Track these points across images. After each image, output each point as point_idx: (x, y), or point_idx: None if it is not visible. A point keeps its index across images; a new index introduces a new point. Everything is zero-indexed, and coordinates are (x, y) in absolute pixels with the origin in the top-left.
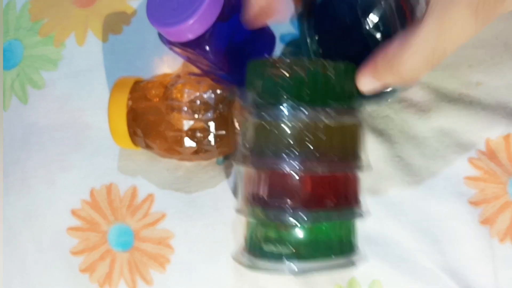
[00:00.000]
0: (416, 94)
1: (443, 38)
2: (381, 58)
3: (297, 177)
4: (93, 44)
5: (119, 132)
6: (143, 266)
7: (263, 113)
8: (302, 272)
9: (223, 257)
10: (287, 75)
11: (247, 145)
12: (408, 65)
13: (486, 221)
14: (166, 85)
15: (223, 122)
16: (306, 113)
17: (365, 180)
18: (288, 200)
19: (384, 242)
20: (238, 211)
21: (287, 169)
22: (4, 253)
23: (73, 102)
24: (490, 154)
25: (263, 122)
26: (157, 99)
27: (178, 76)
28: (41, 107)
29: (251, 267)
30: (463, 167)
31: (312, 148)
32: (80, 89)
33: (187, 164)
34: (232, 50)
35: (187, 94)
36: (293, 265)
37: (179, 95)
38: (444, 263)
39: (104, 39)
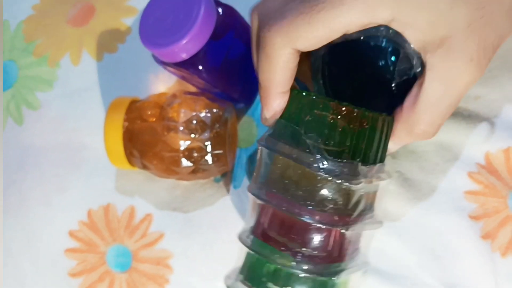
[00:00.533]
0: None
1: (451, 92)
2: (397, 123)
3: (314, 230)
4: (88, 63)
5: (115, 153)
6: (142, 287)
7: (298, 157)
8: None
9: (222, 277)
10: (338, 123)
11: (267, 178)
12: (423, 125)
13: (487, 236)
14: (162, 105)
15: (220, 141)
16: (345, 170)
17: None
18: (301, 249)
19: (385, 259)
20: (240, 239)
21: (307, 220)
22: (3, 275)
23: (69, 123)
24: (490, 168)
25: (294, 164)
26: (153, 119)
27: (174, 96)
28: (37, 128)
29: None
30: (463, 181)
31: (339, 205)
32: (75, 109)
33: (184, 183)
34: (227, 67)
35: (183, 114)
36: None
37: (175, 115)
38: (445, 279)
39: (99, 58)
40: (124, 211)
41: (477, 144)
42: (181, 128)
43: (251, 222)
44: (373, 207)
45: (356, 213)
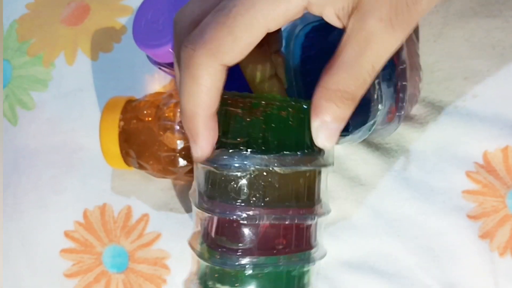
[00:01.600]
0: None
1: (366, 56)
2: (316, 94)
3: (245, 224)
4: (83, 63)
5: (111, 153)
6: (139, 287)
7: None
8: None
9: None
10: (240, 115)
11: (199, 187)
12: (341, 84)
13: (485, 235)
14: (158, 104)
15: None
16: (258, 161)
17: (362, 195)
18: (236, 245)
19: (383, 258)
20: (189, 244)
21: (233, 216)
22: (1, 278)
23: (64, 123)
24: (488, 167)
25: (211, 169)
26: (149, 119)
27: (170, 95)
28: (32, 129)
29: None
30: (461, 180)
31: (261, 196)
32: (71, 109)
33: (181, 183)
34: None
35: (180, 114)
36: None
37: (171, 115)
38: (444, 278)
39: (94, 58)
40: (120, 211)
41: (475, 143)
42: (178, 127)
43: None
44: (314, 196)
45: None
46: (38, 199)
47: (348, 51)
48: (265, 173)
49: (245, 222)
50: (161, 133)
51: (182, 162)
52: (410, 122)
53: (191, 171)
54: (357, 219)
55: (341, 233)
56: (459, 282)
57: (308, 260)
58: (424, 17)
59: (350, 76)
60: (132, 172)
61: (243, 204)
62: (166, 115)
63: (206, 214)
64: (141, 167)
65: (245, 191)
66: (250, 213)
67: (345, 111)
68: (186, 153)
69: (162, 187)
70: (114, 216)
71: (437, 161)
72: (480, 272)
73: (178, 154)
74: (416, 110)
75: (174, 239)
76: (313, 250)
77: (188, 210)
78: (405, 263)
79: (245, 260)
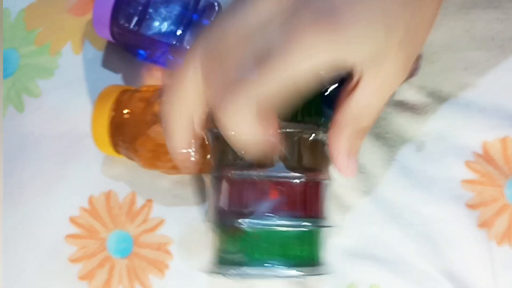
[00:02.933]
0: (412, 97)
1: (381, 96)
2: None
3: (252, 185)
4: (90, 52)
5: (102, 141)
6: (142, 272)
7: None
8: (257, 276)
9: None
10: None
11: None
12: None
13: (483, 224)
14: (149, 98)
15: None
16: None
17: (362, 183)
18: (242, 208)
19: (383, 246)
20: (208, 221)
21: (241, 177)
22: (4, 263)
23: (69, 111)
24: (487, 156)
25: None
26: (139, 111)
27: (162, 89)
28: (37, 116)
29: (216, 273)
30: (460, 170)
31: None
32: (76, 97)
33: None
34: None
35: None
36: (248, 270)
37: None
38: (443, 266)
39: (101, 47)
40: (125, 197)
41: (474, 133)
42: None
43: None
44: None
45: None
46: (43, 185)
47: (364, 97)
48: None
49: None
50: (150, 126)
51: (167, 156)
52: (410, 112)
53: (176, 166)
54: (357, 206)
55: (341, 220)
56: (457, 270)
57: (315, 226)
58: None
59: (362, 122)
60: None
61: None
62: (155, 109)
63: (216, 184)
64: (129, 157)
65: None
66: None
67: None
68: None
69: (165, 174)
70: (119, 201)
71: (436, 151)
72: (478, 260)
73: (163, 149)
74: (416, 100)
75: (178, 226)
76: (321, 217)
77: (191, 197)
78: (404, 250)
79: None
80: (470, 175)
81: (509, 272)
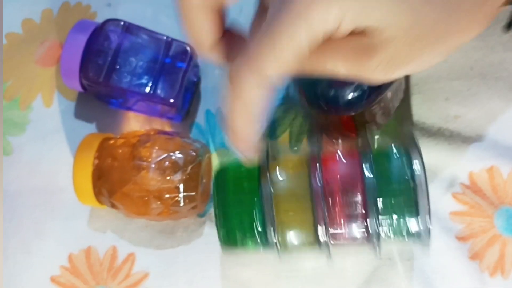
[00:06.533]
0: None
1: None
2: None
3: None
4: (62, 104)
5: (84, 190)
6: None
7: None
8: None
9: None
10: None
11: None
12: None
13: (475, 256)
14: (135, 143)
15: (193, 183)
16: None
17: None
18: None
19: (376, 284)
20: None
21: None
22: None
23: (43, 166)
24: (474, 187)
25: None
26: (124, 158)
27: (147, 135)
28: (11, 174)
29: None
30: (448, 202)
31: None
32: (49, 151)
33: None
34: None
35: (156, 154)
36: None
37: (147, 155)
38: None
39: (73, 98)
40: (105, 252)
41: (460, 164)
42: (153, 168)
43: None
44: None
45: None
46: (21, 244)
47: None
48: None
49: None
50: (135, 172)
51: (155, 203)
52: None
53: (163, 213)
54: None
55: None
56: None
57: None
58: None
59: None
60: (114, 211)
61: None
62: (142, 154)
63: None
64: (113, 206)
65: None
66: None
67: None
68: (159, 194)
69: (147, 223)
70: (100, 258)
71: None
72: None
73: (151, 195)
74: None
75: (162, 278)
76: None
77: (175, 245)
78: (398, 286)
79: None
80: (458, 207)
81: None
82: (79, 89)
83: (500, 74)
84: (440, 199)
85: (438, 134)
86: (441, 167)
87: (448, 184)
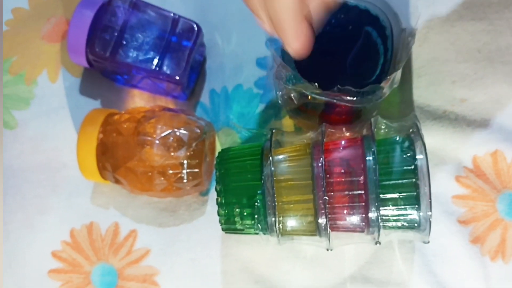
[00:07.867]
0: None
1: None
2: None
3: None
4: (67, 80)
5: (87, 165)
6: None
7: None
8: None
9: None
10: None
11: None
12: None
13: (476, 240)
14: (139, 119)
15: (197, 159)
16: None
17: None
18: None
19: (376, 266)
20: None
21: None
22: None
23: (47, 142)
24: (478, 171)
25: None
26: (129, 133)
27: (152, 111)
28: (15, 149)
29: None
30: (451, 185)
31: None
32: (53, 127)
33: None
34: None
35: (160, 130)
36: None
37: (151, 131)
38: (437, 284)
39: (78, 74)
40: (107, 228)
41: (464, 148)
42: (157, 143)
43: None
44: None
45: None
46: (24, 219)
47: None
48: None
49: None
50: (140, 148)
51: (158, 179)
52: None
53: (167, 189)
54: None
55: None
56: (451, 287)
57: None
58: (408, 21)
59: None
60: (119, 188)
61: None
62: (147, 130)
63: None
64: (117, 181)
65: None
66: None
67: None
68: (163, 170)
69: (149, 201)
70: (102, 234)
71: None
72: (472, 276)
73: (155, 171)
74: None
75: (164, 255)
76: None
77: (177, 223)
78: (397, 269)
79: None
80: (461, 190)
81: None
82: (85, 64)
83: (507, 58)
84: (443, 183)
85: (443, 117)
86: (445, 151)
87: (452, 167)
